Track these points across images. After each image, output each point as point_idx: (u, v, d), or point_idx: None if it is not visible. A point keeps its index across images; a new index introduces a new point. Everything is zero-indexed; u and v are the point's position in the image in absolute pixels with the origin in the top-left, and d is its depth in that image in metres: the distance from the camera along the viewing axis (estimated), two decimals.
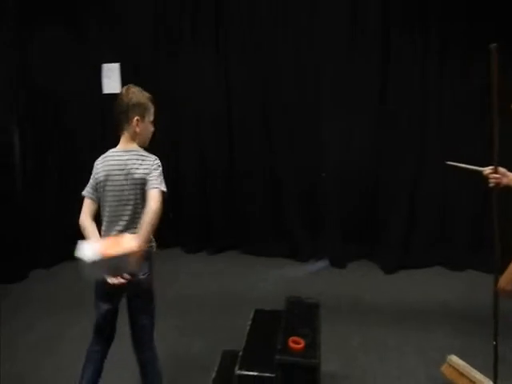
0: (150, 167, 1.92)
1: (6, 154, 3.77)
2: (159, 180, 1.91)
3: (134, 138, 1.98)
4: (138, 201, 1.93)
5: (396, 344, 2.78)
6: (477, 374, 2.20)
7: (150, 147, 2.05)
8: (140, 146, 2.00)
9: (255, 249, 4.26)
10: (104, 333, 2.03)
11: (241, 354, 2.00)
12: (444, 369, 2.36)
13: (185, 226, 4.40)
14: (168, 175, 2.02)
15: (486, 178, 2.06)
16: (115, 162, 1.96)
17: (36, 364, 2.63)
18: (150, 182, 1.89)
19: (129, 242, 1.76)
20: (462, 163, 2.15)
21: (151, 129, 2.04)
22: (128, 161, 1.94)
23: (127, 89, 1.98)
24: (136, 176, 1.92)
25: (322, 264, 4.04)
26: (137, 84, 2.03)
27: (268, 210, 4.26)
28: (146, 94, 2.00)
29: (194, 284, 3.73)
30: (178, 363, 2.61)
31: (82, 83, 4.12)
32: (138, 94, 1.97)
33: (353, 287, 3.61)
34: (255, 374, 1.88)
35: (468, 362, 2.28)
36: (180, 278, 3.82)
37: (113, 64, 4.14)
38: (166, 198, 1.93)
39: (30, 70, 3.89)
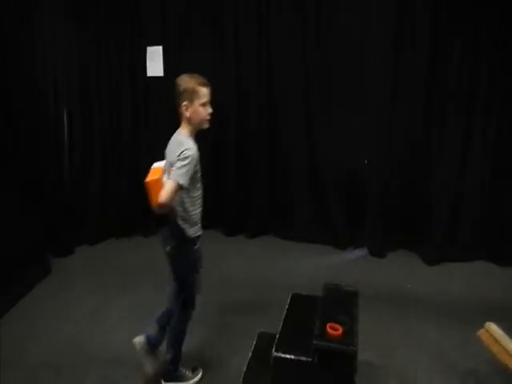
0: (177, 156, 2.01)
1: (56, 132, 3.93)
2: (179, 172, 1.98)
3: (185, 122, 2.11)
4: None
5: (436, 338, 2.72)
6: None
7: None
8: (196, 129, 2.13)
9: (294, 234, 4.24)
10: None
11: (278, 336, 2.02)
12: (481, 333, 2.28)
13: (226, 209, 4.43)
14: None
15: None
16: (168, 145, 2.17)
17: (89, 329, 2.83)
18: (171, 172, 2.00)
19: (153, 173, 2.01)
20: None
21: (204, 111, 2.10)
22: (171, 145, 2.14)
23: (178, 77, 2.10)
24: (170, 159, 2.09)
25: (361, 253, 3.98)
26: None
27: (308, 195, 4.23)
28: (197, 79, 2.08)
29: (233, 266, 3.77)
30: (215, 342, 2.68)
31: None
32: (185, 80, 2.08)
33: (392, 277, 3.54)
34: (292, 357, 1.89)
35: None
36: (221, 260, 3.86)
37: (156, 47, 4.18)
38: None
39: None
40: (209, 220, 4.23)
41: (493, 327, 2.24)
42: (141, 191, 2.10)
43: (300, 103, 4.09)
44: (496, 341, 2.21)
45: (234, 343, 2.65)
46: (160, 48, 4.15)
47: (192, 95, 2.06)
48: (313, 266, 3.71)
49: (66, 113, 3.95)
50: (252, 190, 4.34)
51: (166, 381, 2.33)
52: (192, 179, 2.05)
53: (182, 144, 2.04)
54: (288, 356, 1.89)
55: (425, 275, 3.58)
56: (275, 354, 1.89)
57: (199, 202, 2.19)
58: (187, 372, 2.37)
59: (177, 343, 2.30)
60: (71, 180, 4.06)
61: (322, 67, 3.97)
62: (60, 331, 2.81)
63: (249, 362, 2.13)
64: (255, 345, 2.23)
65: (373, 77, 3.84)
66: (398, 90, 3.79)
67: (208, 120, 2.14)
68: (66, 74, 3.92)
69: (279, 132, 4.22)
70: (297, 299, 2.41)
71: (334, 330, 1.94)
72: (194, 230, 2.17)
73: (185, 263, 2.21)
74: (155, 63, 4.19)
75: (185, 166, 1.98)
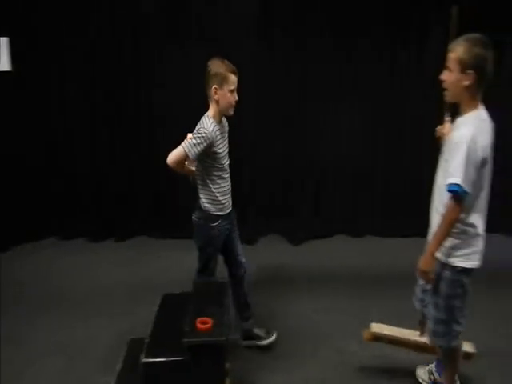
0: (193, 133, 2.18)
1: None
2: (188, 142, 2.15)
3: (213, 104, 2.22)
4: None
5: (314, 308, 2.99)
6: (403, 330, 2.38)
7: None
8: (221, 113, 2.25)
9: (168, 232, 4.14)
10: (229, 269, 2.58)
11: (147, 340, 1.95)
12: (367, 335, 2.41)
13: (86, 214, 4.14)
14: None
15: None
16: None
17: None
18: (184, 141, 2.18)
19: None
20: None
21: (231, 98, 2.21)
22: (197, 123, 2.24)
23: (210, 60, 2.21)
24: None
25: None
26: None
27: (177, 191, 4.16)
28: (228, 66, 2.19)
29: (100, 274, 3.55)
30: (86, 354, 2.51)
31: None
32: (217, 65, 2.18)
33: (262, 262, 3.68)
34: (162, 359, 1.84)
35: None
36: (85, 270, 3.61)
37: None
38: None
39: None
40: (70, 228, 4.01)
41: (375, 326, 2.40)
42: None
43: None
44: (386, 336, 2.36)
45: (101, 356, 2.52)
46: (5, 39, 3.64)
47: (222, 80, 2.16)
48: (187, 262, 3.66)
49: None
50: (116, 190, 4.12)
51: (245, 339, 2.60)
52: (208, 157, 2.20)
53: (202, 122, 2.20)
54: (158, 359, 1.84)
55: (291, 255, 3.84)
56: (144, 359, 1.82)
57: (223, 182, 2.31)
58: (260, 330, 2.60)
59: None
60: None
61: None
62: None
63: (118, 373, 2.02)
64: (126, 353, 2.12)
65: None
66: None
67: (233, 106, 2.24)
68: None
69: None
70: (168, 299, 2.36)
71: (204, 323, 1.96)
72: (214, 208, 2.31)
73: (202, 236, 2.37)
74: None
75: (196, 140, 2.13)
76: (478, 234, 1.88)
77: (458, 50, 1.78)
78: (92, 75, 3.89)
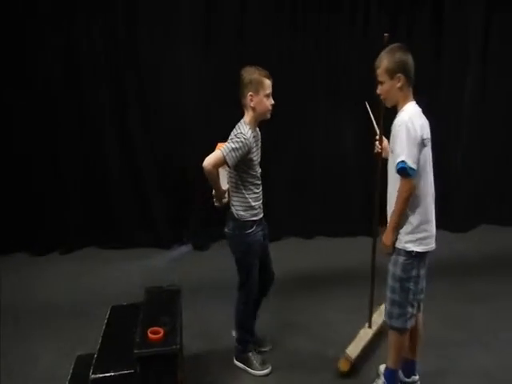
0: (230, 138, 2.19)
1: None
2: (226, 147, 2.15)
3: (249, 111, 2.24)
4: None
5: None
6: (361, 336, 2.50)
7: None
8: (258, 119, 2.26)
9: (117, 241, 4.03)
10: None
11: (96, 355, 1.88)
12: (344, 365, 2.42)
13: (30, 227, 3.92)
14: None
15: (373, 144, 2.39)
16: None
17: None
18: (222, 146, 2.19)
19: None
20: None
21: (267, 102, 2.22)
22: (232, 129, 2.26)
23: (243, 69, 2.22)
24: None
25: (186, 249, 4.03)
26: None
27: (129, 200, 4.05)
28: (261, 71, 2.20)
29: (44, 289, 3.37)
30: (28, 375, 2.37)
31: None
32: (251, 72, 2.20)
33: (213, 268, 3.65)
34: (112, 374, 1.78)
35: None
36: (28, 285, 3.41)
37: None
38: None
39: None
40: (11, 243, 3.77)
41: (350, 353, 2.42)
42: None
43: None
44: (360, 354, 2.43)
45: (45, 377, 2.39)
46: None
47: (257, 86, 2.18)
48: (138, 272, 3.59)
49: None
50: (66, 200, 3.95)
51: (236, 359, 2.49)
52: (244, 164, 2.20)
53: (238, 128, 2.21)
54: (107, 374, 1.77)
55: None
56: (93, 376, 1.75)
57: (256, 189, 2.31)
58: (255, 361, 2.44)
59: (240, 325, 2.46)
60: None
61: None
62: None
63: None
64: (72, 370, 2.02)
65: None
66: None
67: (270, 110, 2.25)
68: None
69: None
70: (117, 311, 2.29)
71: (155, 333, 1.91)
72: (249, 214, 2.29)
73: (239, 245, 2.33)
74: None
75: (235, 144, 2.14)
76: (428, 219, 2.04)
77: (382, 63, 2.00)
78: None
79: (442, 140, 4.33)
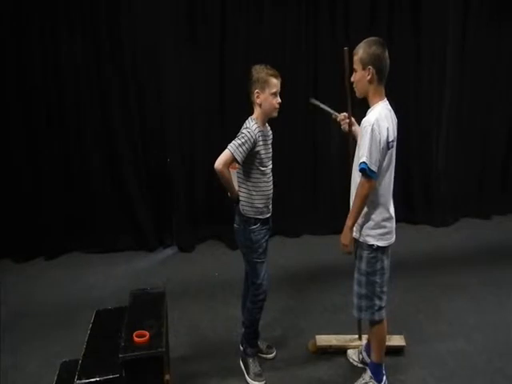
0: (238, 134, 2.21)
1: None
2: (233, 144, 2.17)
3: (256, 108, 2.27)
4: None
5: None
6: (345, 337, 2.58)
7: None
8: (265, 116, 2.28)
9: (101, 245, 3.99)
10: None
11: (80, 361, 1.86)
12: (312, 347, 2.56)
13: (13, 233, 3.84)
14: None
15: (338, 123, 2.36)
16: None
17: None
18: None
19: None
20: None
21: (273, 100, 2.24)
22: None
23: (253, 67, 2.26)
24: None
25: (171, 251, 4.01)
26: None
27: (113, 203, 4.01)
28: (269, 70, 2.23)
29: (29, 295, 3.32)
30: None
31: None
32: (258, 70, 2.23)
33: (200, 269, 3.66)
34: (97, 379, 1.76)
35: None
36: (12, 292, 3.34)
37: None
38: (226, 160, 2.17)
39: None
40: None
41: (319, 340, 2.55)
42: None
43: None
44: (331, 347, 2.54)
45: (34, 382, 2.36)
46: None
47: (263, 84, 2.21)
48: (123, 275, 3.56)
49: None
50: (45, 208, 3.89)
51: (241, 359, 2.51)
52: (252, 158, 2.21)
53: (245, 124, 2.26)
54: (93, 379, 1.76)
55: (230, 260, 3.80)
56: (78, 382, 1.73)
57: (264, 187, 2.30)
58: (252, 370, 2.41)
59: (246, 322, 2.46)
60: None
61: None
62: None
63: None
64: (57, 377, 2.00)
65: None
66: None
67: (277, 109, 2.27)
68: None
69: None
70: (102, 315, 2.27)
71: (141, 337, 1.91)
72: (253, 212, 2.29)
73: (244, 241, 2.34)
74: None
75: (240, 140, 2.17)
76: (390, 216, 2.10)
77: (358, 52, 2.04)
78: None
79: (422, 137, 4.48)
